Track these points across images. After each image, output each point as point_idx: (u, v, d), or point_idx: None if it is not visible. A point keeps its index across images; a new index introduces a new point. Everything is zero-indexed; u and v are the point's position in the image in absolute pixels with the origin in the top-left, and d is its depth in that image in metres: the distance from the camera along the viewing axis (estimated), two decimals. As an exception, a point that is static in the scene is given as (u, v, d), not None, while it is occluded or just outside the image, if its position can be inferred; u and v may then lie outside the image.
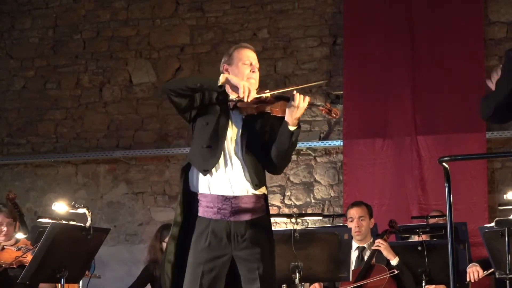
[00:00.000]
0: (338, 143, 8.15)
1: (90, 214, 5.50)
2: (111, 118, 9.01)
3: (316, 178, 8.33)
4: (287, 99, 3.93)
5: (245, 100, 3.86)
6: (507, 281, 5.20)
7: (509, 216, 5.98)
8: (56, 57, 9.25)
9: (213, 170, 3.93)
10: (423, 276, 5.56)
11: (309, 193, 8.31)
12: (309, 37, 8.52)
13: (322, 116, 8.38)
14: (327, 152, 8.35)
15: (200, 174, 3.96)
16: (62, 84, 9.20)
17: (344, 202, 7.96)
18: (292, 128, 3.91)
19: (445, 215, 5.69)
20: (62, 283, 5.22)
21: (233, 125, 4.00)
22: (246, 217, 3.94)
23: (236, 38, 8.68)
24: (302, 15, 8.57)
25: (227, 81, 3.91)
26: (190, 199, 4.01)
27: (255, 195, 3.97)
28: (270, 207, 8.29)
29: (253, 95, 3.89)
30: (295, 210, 8.08)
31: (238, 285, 3.96)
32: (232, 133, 3.98)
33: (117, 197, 8.87)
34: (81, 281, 5.90)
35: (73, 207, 5.70)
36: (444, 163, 3.79)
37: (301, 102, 3.87)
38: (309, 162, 8.37)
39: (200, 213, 3.96)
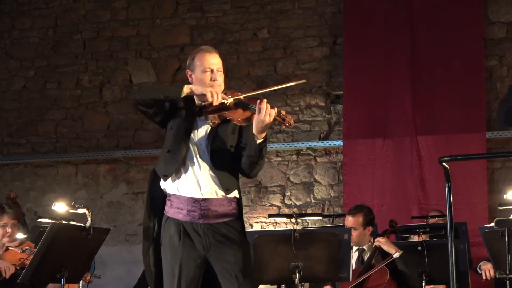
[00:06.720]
0: (338, 143, 8.15)
1: (90, 214, 5.51)
2: (111, 118, 9.01)
3: (316, 178, 8.33)
4: (253, 110, 3.84)
5: (214, 103, 3.84)
6: (507, 281, 5.21)
7: (509, 216, 5.98)
8: (56, 57, 9.25)
9: (182, 173, 3.94)
10: (423, 276, 5.56)
11: (309, 193, 8.31)
12: (309, 37, 8.52)
13: (322, 116, 8.38)
14: (327, 152, 8.34)
15: (171, 176, 3.97)
16: (62, 84, 9.20)
17: (344, 202, 7.96)
18: (258, 141, 3.86)
19: (445, 215, 5.71)
20: (62, 283, 5.22)
21: (198, 130, 3.98)
22: (216, 220, 3.95)
23: (236, 38, 8.69)
24: (302, 15, 8.57)
25: (191, 91, 3.91)
26: (158, 200, 4.03)
27: (226, 198, 3.97)
28: (270, 207, 8.39)
29: (220, 99, 3.86)
30: (295, 210, 8.08)
31: (216, 285, 3.97)
32: (198, 138, 3.96)
33: (117, 197, 8.87)
34: (81, 281, 5.90)
35: (73, 207, 5.71)
36: (444, 163, 3.78)
37: (267, 116, 3.77)
38: (309, 162, 8.37)
39: (170, 214, 3.98)
